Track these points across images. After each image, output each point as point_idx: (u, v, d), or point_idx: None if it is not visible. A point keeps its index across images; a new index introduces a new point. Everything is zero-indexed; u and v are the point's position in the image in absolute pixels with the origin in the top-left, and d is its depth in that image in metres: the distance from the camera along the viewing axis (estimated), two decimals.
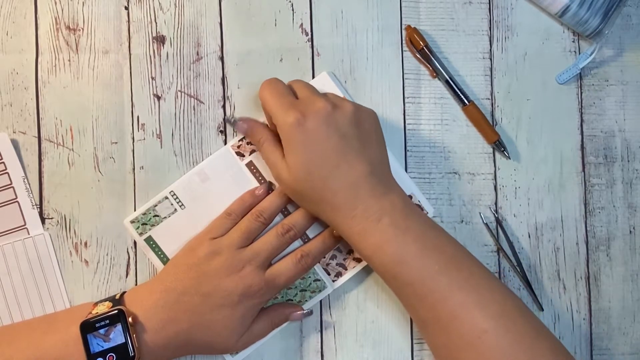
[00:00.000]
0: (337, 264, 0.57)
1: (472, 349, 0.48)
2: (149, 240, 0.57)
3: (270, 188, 0.56)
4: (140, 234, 0.57)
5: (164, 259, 0.57)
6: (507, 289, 0.51)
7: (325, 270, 0.57)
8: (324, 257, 0.57)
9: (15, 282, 0.56)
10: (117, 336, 0.50)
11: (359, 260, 0.57)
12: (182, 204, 0.57)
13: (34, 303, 0.56)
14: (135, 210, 0.58)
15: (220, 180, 0.57)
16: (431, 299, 0.49)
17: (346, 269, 0.57)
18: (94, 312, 0.52)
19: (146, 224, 0.57)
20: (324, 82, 0.57)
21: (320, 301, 0.58)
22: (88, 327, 0.50)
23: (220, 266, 0.53)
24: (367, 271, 0.58)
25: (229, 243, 0.53)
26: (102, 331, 0.50)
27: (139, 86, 0.58)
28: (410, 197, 0.56)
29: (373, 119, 0.54)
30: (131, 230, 0.57)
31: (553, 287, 0.59)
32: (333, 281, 0.57)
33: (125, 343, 0.50)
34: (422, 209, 0.56)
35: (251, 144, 0.57)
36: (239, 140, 0.57)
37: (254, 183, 0.57)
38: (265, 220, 0.55)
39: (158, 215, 0.57)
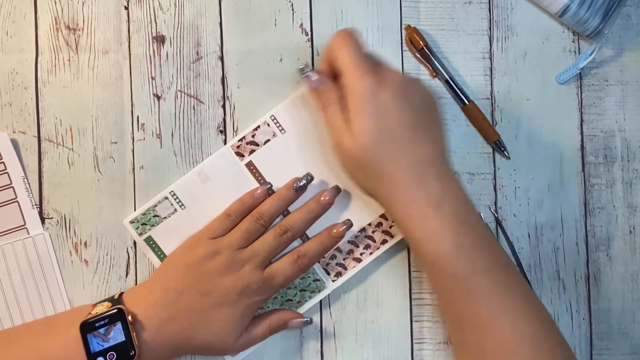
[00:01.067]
0: (336, 264, 0.57)
1: (510, 354, 0.47)
2: (149, 241, 0.57)
3: (270, 189, 0.56)
4: (140, 234, 0.57)
5: (164, 259, 0.57)
6: (537, 297, 0.51)
7: (325, 270, 0.57)
8: (324, 257, 0.57)
9: (15, 282, 0.56)
10: (117, 335, 0.50)
11: (358, 261, 0.57)
12: (182, 204, 0.57)
13: (34, 303, 0.56)
14: (135, 210, 0.58)
15: (220, 181, 0.57)
16: (475, 296, 0.48)
17: (346, 269, 0.57)
18: (93, 312, 0.52)
19: (146, 224, 0.57)
20: None
21: (320, 301, 0.58)
22: (87, 327, 0.50)
23: (219, 265, 0.53)
24: (367, 271, 0.58)
25: (229, 243, 0.54)
26: (101, 330, 0.50)
27: (139, 86, 0.58)
28: None
29: (436, 99, 0.53)
30: (131, 230, 0.57)
31: (553, 287, 0.59)
32: (333, 281, 0.57)
33: (126, 341, 0.50)
34: None
35: (251, 144, 0.57)
36: (238, 141, 0.57)
37: (253, 183, 0.57)
38: (265, 222, 0.55)
39: (158, 216, 0.57)
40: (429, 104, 0.52)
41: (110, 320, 0.50)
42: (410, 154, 0.49)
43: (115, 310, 0.51)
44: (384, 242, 0.57)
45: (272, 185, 0.56)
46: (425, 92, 0.52)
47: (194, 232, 0.56)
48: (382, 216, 0.57)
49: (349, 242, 0.57)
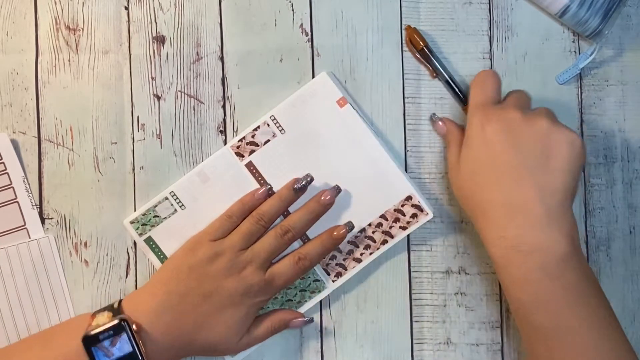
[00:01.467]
0: (336, 264, 0.57)
1: None
2: (149, 241, 0.57)
3: (270, 190, 0.56)
4: (140, 234, 0.57)
5: (164, 260, 0.57)
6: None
7: (325, 270, 0.57)
8: (324, 258, 0.57)
9: (19, 284, 0.56)
10: (123, 345, 0.50)
11: (358, 261, 0.57)
12: (182, 205, 0.57)
13: (37, 306, 0.56)
14: (135, 210, 0.58)
15: (220, 181, 0.57)
16: (560, 353, 0.47)
17: (346, 269, 0.57)
18: (94, 323, 0.51)
19: (146, 225, 0.57)
20: (323, 83, 0.57)
21: (320, 301, 0.58)
22: (91, 340, 0.50)
23: (222, 267, 0.53)
24: (367, 271, 0.58)
25: (230, 245, 0.54)
26: (106, 343, 0.50)
27: (139, 86, 0.58)
28: (410, 197, 0.56)
29: (572, 145, 0.49)
30: (131, 230, 0.57)
31: None
32: (333, 281, 0.57)
33: (133, 352, 0.49)
34: (421, 209, 0.56)
35: (250, 144, 0.57)
36: (238, 141, 0.57)
37: (253, 183, 0.57)
38: (266, 223, 0.55)
39: (158, 216, 0.57)
40: (549, 146, 0.49)
41: (115, 332, 0.50)
42: (504, 192, 0.49)
43: (119, 320, 0.50)
44: (384, 242, 0.57)
45: (272, 187, 0.56)
46: (545, 133, 0.50)
47: (194, 232, 0.56)
48: (382, 216, 0.57)
49: (349, 242, 0.57)
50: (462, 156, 0.52)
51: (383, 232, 0.57)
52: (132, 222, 0.57)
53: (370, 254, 0.57)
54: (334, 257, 0.57)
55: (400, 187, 0.56)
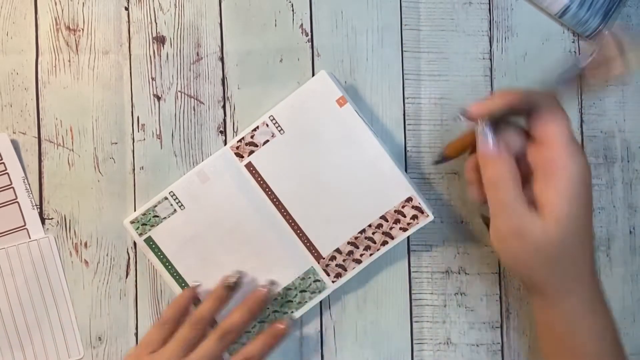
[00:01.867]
0: (336, 265, 0.57)
1: None
2: (149, 241, 0.57)
3: (196, 290, 0.55)
4: (140, 234, 0.57)
5: (164, 260, 0.57)
6: None
7: (325, 271, 0.57)
8: (323, 258, 0.57)
9: (19, 284, 0.56)
10: None
11: (358, 262, 0.57)
12: (182, 205, 0.57)
13: (37, 306, 0.56)
14: (135, 210, 0.58)
15: (219, 181, 0.57)
16: None
17: (346, 270, 0.57)
18: None
19: (146, 225, 0.57)
20: (322, 82, 0.57)
21: (320, 302, 0.58)
22: None
23: None
24: (367, 272, 0.58)
25: (169, 357, 0.52)
26: None
27: (139, 86, 0.58)
28: (411, 198, 0.56)
29: None
30: (131, 230, 0.57)
31: None
32: (333, 282, 0.57)
33: None
34: (422, 211, 0.56)
35: (250, 145, 0.57)
36: (237, 141, 0.57)
37: (253, 184, 0.57)
38: (204, 327, 0.53)
39: (158, 216, 0.57)
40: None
41: None
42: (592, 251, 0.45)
43: None
44: (384, 243, 0.57)
45: (200, 284, 0.56)
46: None
47: (193, 232, 0.56)
48: (382, 217, 0.57)
49: (348, 243, 0.57)
50: (560, 213, 0.42)
51: (383, 233, 0.57)
52: (132, 222, 0.57)
53: (370, 255, 0.57)
54: (333, 258, 0.57)
55: (400, 188, 0.56)
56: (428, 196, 0.59)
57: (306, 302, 0.57)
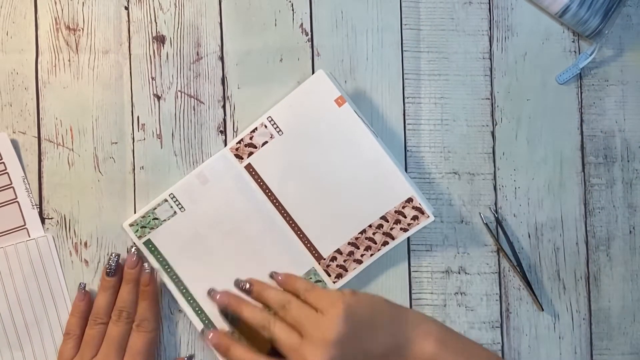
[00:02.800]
0: (337, 266, 0.57)
1: None
2: (148, 244, 0.57)
3: (84, 289, 0.56)
4: (139, 237, 0.57)
5: (163, 263, 0.57)
6: None
7: (326, 271, 0.57)
8: (324, 259, 0.57)
9: (18, 283, 0.56)
10: None
11: (359, 262, 0.57)
12: (182, 207, 0.57)
13: (36, 305, 0.56)
14: (135, 210, 0.58)
15: (219, 183, 0.57)
16: None
17: (347, 271, 0.57)
18: None
19: (145, 227, 0.57)
20: (320, 81, 0.57)
21: None
22: None
23: None
24: (368, 272, 0.58)
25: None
26: None
27: (139, 86, 0.58)
28: (411, 199, 0.56)
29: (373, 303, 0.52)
30: (130, 233, 0.57)
31: (553, 287, 0.59)
32: (334, 282, 0.57)
33: None
34: (422, 212, 0.56)
35: (249, 147, 0.57)
36: (236, 143, 0.57)
37: (253, 185, 0.57)
38: (102, 319, 0.55)
39: (157, 218, 0.57)
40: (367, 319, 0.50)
41: None
42: None
43: None
44: (384, 243, 0.57)
45: (85, 284, 0.56)
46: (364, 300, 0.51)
47: (193, 234, 0.56)
48: (383, 218, 0.57)
49: (349, 243, 0.57)
50: (330, 332, 0.48)
51: (384, 233, 0.57)
52: (131, 225, 0.57)
53: (371, 255, 0.57)
54: (334, 259, 0.57)
55: (400, 188, 0.56)
56: (428, 196, 0.59)
57: None
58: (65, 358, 0.54)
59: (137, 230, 0.57)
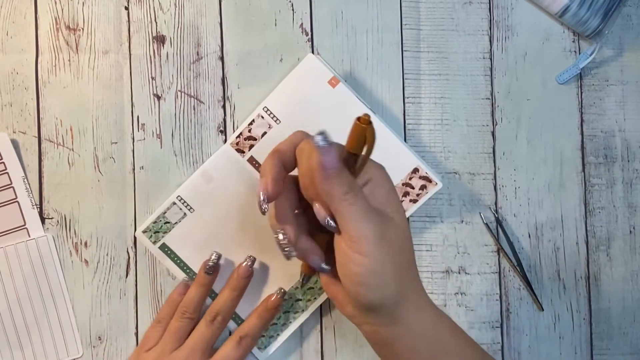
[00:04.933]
0: None
1: None
2: (164, 248, 0.57)
3: (188, 281, 0.56)
4: (154, 242, 0.57)
5: (181, 264, 0.57)
6: None
7: None
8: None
9: (18, 283, 0.56)
10: None
11: None
12: (191, 208, 0.57)
13: (36, 304, 0.56)
14: (135, 210, 0.58)
15: (224, 179, 0.57)
16: None
17: None
18: None
19: (158, 232, 0.57)
20: (311, 64, 0.56)
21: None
22: None
23: None
24: None
25: (162, 349, 0.54)
26: None
27: (139, 86, 0.58)
28: (417, 169, 0.55)
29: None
30: (144, 240, 0.57)
31: (553, 287, 0.59)
32: None
33: None
34: (430, 180, 0.56)
35: (249, 139, 0.57)
36: (236, 137, 0.57)
37: (258, 178, 0.57)
38: (191, 314, 0.55)
39: (169, 222, 0.57)
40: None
41: None
42: (410, 275, 0.45)
43: None
44: None
45: (189, 279, 0.56)
46: None
47: (205, 233, 0.56)
48: None
49: None
50: (403, 213, 0.44)
51: None
52: (144, 232, 0.57)
53: None
54: None
55: (405, 160, 0.56)
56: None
57: (315, 298, 0.57)
58: (149, 344, 0.55)
59: (151, 236, 0.57)
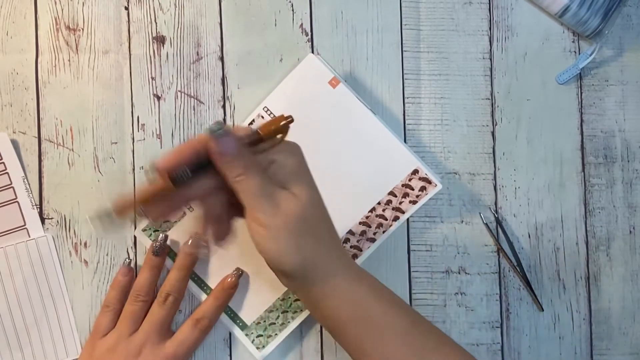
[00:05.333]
0: (351, 247, 0.57)
1: None
2: None
3: (130, 264, 0.56)
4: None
5: None
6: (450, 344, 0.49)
7: None
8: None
9: (18, 284, 0.56)
10: None
11: (372, 241, 0.56)
12: (191, 206, 0.57)
13: (36, 305, 0.56)
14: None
15: None
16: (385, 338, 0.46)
17: (361, 250, 0.56)
18: None
19: (158, 231, 0.57)
20: (311, 65, 0.56)
21: None
22: None
23: (120, 359, 0.53)
24: (368, 271, 0.58)
25: (118, 335, 0.54)
26: None
27: (139, 86, 0.58)
28: (417, 170, 0.56)
29: None
30: (144, 239, 0.57)
31: (553, 287, 0.59)
32: None
33: None
34: (430, 181, 0.56)
35: None
36: None
37: None
38: (145, 297, 0.55)
39: (168, 220, 0.57)
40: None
41: None
42: (336, 244, 0.48)
43: None
44: (395, 219, 0.56)
45: (130, 260, 0.56)
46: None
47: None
48: (391, 193, 0.56)
49: (360, 223, 0.56)
50: (303, 191, 0.45)
51: (393, 208, 0.56)
52: (144, 230, 0.57)
53: (384, 232, 0.57)
54: (347, 240, 0.57)
55: (404, 161, 0.56)
56: None
57: None
58: (102, 330, 0.54)
59: (151, 234, 0.57)
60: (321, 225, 0.47)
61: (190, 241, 0.55)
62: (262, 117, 0.57)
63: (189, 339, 0.54)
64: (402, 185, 0.56)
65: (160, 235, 0.55)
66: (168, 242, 0.56)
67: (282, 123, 0.44)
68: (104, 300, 0.56)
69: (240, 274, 0.56)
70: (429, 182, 0.56)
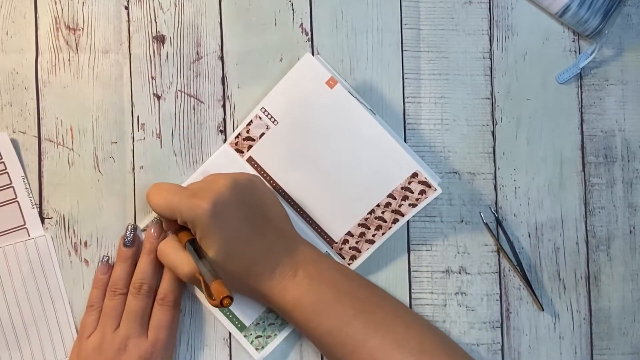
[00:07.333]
0: (350, 248, 0.57)
1: None
2: None
3: (106, 259, 0.57)
4: None
5: None
6: (426, 324, 0.53)
7: (340, 254, 0.57)
8: (336, 242, 0.56)
9: (16, 283, 0.56)
10: None
11: (371, 242, 0.56)
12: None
13: (34, 304, 0.56)
14: (135, 210, 0.58)
15: None
16: (349, 345, 0.50)
17: (360, 252, 0.57)
18: None
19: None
20: (308, 65, 0.55)
21: None
22: None
23: (109, 356, 0.53)
24: (367, 271, 0.58)
25: (103, 332, 0.54)
26: None
27: (139, 86, 0.58)
28: (416, 174, 0.55)
29: (257, 181, 0.55)
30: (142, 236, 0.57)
31: (553, 287, 0.59)
32: (349, 264, 0.57)
33: None
34: (429, 185, 0.56)
35: (247, 140, 0.57)
36: (235, 137, 0.57)
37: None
38: (122, 290, 0.55)
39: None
40: (251, 190, 0.53)
41: None
42: (258, 243, 0.52)
43: None
44: (395, 221, 0.56)
45: (109, 257, 0.57)
46: (245, 183, 0.53)
47: None
48: (390, 196, 0.55)
49: (359, 225, 0.56)
50: (209, 248, 0.51)
51: (393, 211, 0.56)
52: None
53: (383, 234, 0.56)
54: (346, 242, 0.57)
55: (404, 164, 0.55)
56: None
57: None
58: (88, 330, 0.55)
59: None
60: (236, 267, 0.51)
61: (153, 227, 0.56)
62: (260, 117, 0.56)
63: (163, 319, 0.54)
64: (402, 188, 0.56)
65: (129, 226, 0.56)
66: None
67: (219, 298, 0.46)
68: (87, 300, 0.56)
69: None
70: (429, 186, 0.55)
